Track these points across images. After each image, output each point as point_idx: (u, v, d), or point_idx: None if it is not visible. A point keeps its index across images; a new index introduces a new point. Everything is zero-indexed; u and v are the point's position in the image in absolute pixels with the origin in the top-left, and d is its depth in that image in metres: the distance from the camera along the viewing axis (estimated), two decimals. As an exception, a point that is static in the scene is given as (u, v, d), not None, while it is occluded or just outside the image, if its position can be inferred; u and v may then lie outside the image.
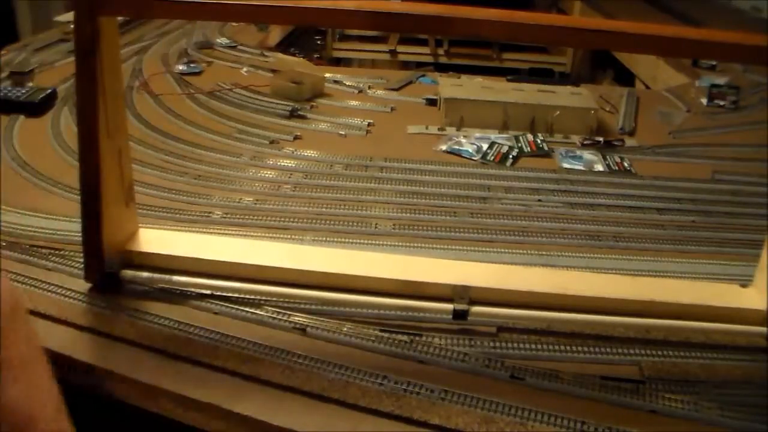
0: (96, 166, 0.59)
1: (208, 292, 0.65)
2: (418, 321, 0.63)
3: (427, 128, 1.13)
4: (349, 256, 0.71)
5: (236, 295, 0.64)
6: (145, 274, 0.65)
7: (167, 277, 0.65)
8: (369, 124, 1.13)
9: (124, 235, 0.67)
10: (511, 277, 0.66)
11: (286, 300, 0.64)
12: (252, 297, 0.64)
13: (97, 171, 0.59)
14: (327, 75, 1.35)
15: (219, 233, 0.77)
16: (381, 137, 1.10)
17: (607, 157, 1.04)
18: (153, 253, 0.66)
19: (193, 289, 0.65)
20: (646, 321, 0.62)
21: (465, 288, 0.63)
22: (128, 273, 0.65)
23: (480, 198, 0.90)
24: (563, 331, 0.62)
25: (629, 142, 1.12)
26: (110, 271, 0.64)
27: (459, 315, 0.62)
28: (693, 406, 0.54)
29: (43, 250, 0.70)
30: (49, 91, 1.12)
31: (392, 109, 1.22)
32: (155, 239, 0.68)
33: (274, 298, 0.64)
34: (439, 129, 1.13)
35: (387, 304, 0.63)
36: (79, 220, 0.62)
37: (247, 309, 0.63)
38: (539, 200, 0.89)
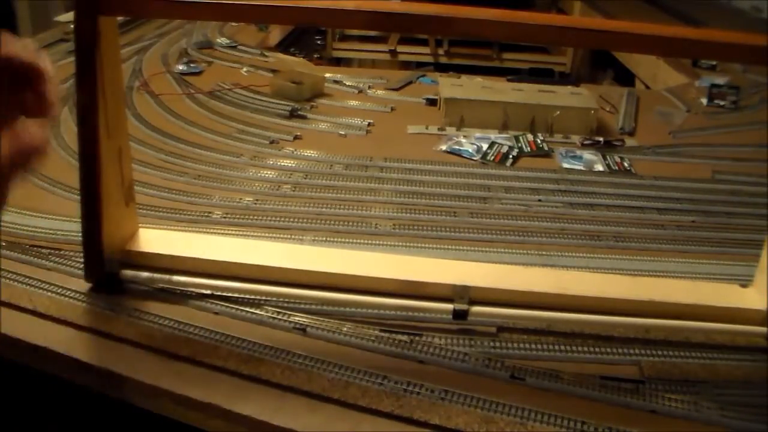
0: (96, 166, 0.59)
1: (208, 292, 0.65)
2: (418, 321, 0.63)
3: (427, 128, 1.13)
4: (349, 256, 0.71)
5: (236, 295, 0.64)
6: (145, 274, 0.65)
7: (167, 277, 0.65)
8: (369, 124, 1.13)
9: (124, 235, 0.67)
10: (511, 277, 0.66)
11: (286, 300, 0.64)
12: (252, 297, 0.64)
13: (97, 171, 0.59)
14: (327, 75, 1.35)
15: (219, 233, 0.77)
16: (381, 137, 1.10)
17: (607, 157, 1.04)
18: (153, 253, 0.66)
19: (193, 289, 0.65)
20: (646, 321, 0.62)
21: (465, 288, 0.63)
22: (128, 273, 0.65)
23: (480, 198, 0.90)
24: (563, 331, 0.62)
25: (629, 142, 1.12)
26: (110, 271, 0.64)
27: (459, 315, 0.62)
28: (693, 406, 0.54)
29: (43, 250, 0.70)
30: (49, 91, 1.12)
31: (392, 109, 1.22)
32: (155, 239, 0.68)
33: (274, 298, 0.64)
34: (439, 129, 1.13)
35: (387, 304, 0.63)
36: (79, 220, 0.62)
37: (247, 309, 0.63)
38: (539, 200, 0.89)
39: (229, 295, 0.64)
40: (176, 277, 0.65)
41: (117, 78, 0.60)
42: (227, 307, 0.63)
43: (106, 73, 0.57)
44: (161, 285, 0.65)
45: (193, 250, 0.67)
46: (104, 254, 0.63)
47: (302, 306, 0.64)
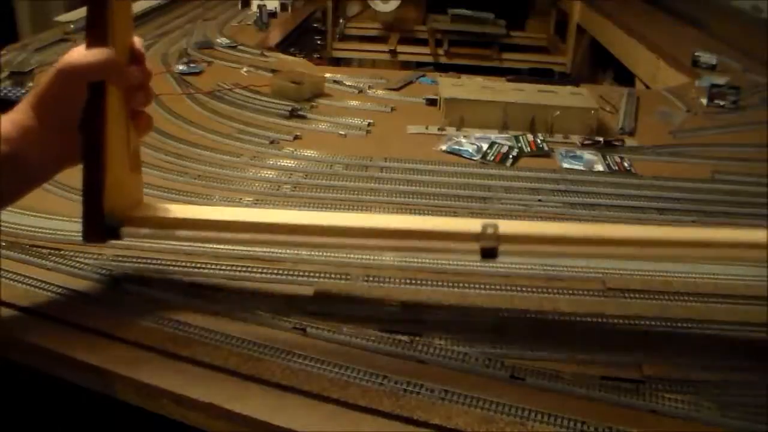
0: (100, 114, 0.57)
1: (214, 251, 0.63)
2: (439, 272, 0.62)
3: (427, 128, 1.13)
4: (365, 217, 0.70)
5: (246, 250, 0.63)
6: (147, 230, 0.62)
7: (171, 231, 0.63)
8: (369, 124, 1.13)
9: (128, 200, 0.63)
10: (538, 226, 0.64)
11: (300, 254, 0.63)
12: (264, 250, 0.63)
13: (100, 120, 0.57)
14: (327, 75, 1.35)
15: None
16: (381, 137, 1.10)
17: (607, 157, 1.04)
18: (158, 216, 0.63)
19: (198, 244, 0.64)
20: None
21: (493, 225, 0.58)
22: (129, 230, 0.61)
23: (480, 198, 0.90)
24: (563, 332, 0.62)
25: (629, 142, 1.12)
26: (110, 225, 0.60)
27: (488, 253, 0.57)
28: (693, 406, 0.54)
29: (43, 250, 0.70)
30: (49, 91, 1.12)
31: (392, 109, 1.22)
32: (161, 207, 0.65)
33: (288, 250, 0.63)
34: (439, 129, 1.13)
35: (408, 246, 0.61)
36: (80, 220, 0.62)
37: (246, 311, 0.63)
38: (539, 200, 0.89)
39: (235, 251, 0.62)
40: (180, 232, 0.62)
41: (127, 37, 0.60)
42: (227, 307, 0.63)
43: (117, 28, 0.57)
44: (164, 241, 0.62)
45: (201, 213, 0.65)
46: (105, 207, 0.60)
47: (302, 305, 0.64)
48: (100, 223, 0.60)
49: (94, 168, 0.59)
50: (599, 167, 1.01)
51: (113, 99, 0.58)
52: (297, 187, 0.90)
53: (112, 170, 0.59)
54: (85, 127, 0.58)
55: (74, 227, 0.72)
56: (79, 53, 0.57)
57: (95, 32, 0.57)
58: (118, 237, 0.61)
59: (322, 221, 0.63)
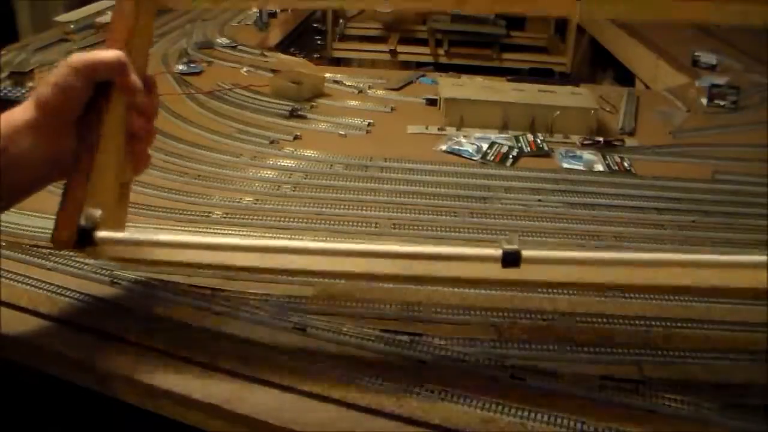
0: (101, 113, 0.57)
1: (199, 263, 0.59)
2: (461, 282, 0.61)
3: (427, 128, 1.13)
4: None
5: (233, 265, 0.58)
6: (123, 234, 0.58)
7: (150, 237, 0.58)
8: (369, 124, 1.13)
9: (109, 224, 0.58)
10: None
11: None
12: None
13: (101, 117, 0.57)
14: (327, 75, 1.35)
15: (219, 233, 0.77)
16: (381, 137, 1.10)
17: (607, 157, 1.04)
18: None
19: (179, 256, 0.57)
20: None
21: (513, 235, 0.55)
22: (104, 234, 0.56)
23: (480, 198, 0.90)
24: (563, 332, 0.62)
25: (629, 142, 1.12)
26: (85, 227, 0.55)
27: (510, 259, 0.53)
28: (693, 406, 0.54)
29: (43, 250, 0.70)
30: (49, 91, 1.12)
31: (392, 109, 1.22)
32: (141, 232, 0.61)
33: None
34: (439, 129, 1.13)
35: (426, 253, 0.56)
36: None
37: (247, 309, 0.63)
38: (539, 200, 0.89)
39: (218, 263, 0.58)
40: (162, 237, 0.58)
41: (143, 57, 0.62)
42: (227, 307, 0.63)
43: (135, 45, 0.60)
44: (142, 243, 0.57)
45: (182, 240, 0.60)
46: (83, 209, 0.56)
47: (302, 306, 0.64)
48: (73, 223, 0.56)
49: (81, 166, 0.57)
50: (599, 167, 1.01)
51: (115, 115, 0.58)
52: (297, 187, 0.90)
53: (99, 183, 0.57)
54: (83, 124, 0.57)
55: (74, 227, 0.72)
56: (92, 52, 0.58)
57: (112, 38, 0.60)
58: (91, 242, 0.56)
59: (322, 247, 0.58)
